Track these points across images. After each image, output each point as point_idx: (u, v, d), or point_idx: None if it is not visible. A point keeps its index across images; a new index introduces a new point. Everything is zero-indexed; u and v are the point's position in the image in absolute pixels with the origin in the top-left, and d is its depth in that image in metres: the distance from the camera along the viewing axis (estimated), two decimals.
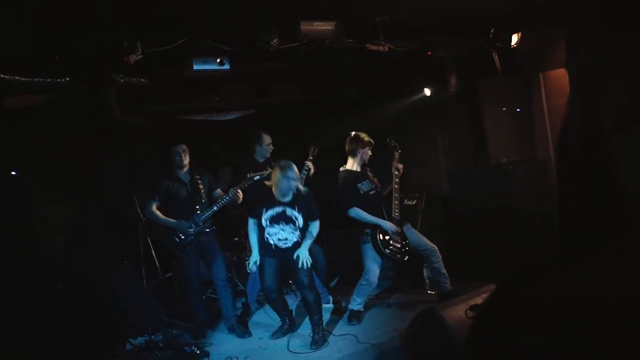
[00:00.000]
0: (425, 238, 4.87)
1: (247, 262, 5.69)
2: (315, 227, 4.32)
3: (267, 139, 5.05)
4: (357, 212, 4.54)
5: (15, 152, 4.72)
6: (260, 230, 4.30)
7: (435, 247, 4.81)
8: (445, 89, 5.80)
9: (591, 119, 0.82)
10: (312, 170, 5.02)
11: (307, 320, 4.44)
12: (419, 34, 5.13)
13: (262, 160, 5.01)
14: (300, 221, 4.25)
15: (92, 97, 4.54)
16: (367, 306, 4.91)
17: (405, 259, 4.67)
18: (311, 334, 4.28)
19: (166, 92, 5.52)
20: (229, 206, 4.88)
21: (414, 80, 6.06)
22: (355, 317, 4.66)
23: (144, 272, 5.25)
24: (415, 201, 5.82)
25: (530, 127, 5.78)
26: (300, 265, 4.18)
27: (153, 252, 5.42)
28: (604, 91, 0.80)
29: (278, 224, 4.24)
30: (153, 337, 4.38)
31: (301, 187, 4.32)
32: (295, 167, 4.20)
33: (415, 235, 4.84)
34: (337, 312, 4.97)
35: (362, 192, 4.64)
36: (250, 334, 4.63)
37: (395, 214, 4.66)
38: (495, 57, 5.41)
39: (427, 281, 5.26)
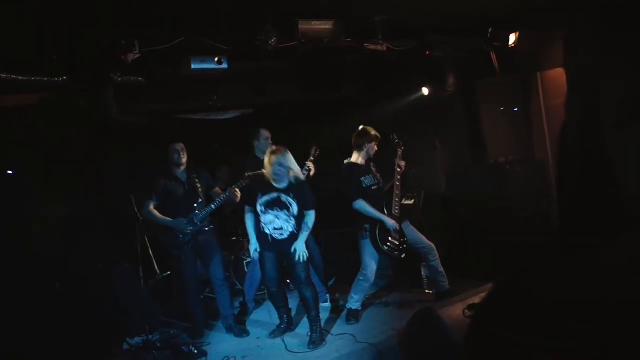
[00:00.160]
0: (423, 236, 4.88)
1: (245, 262, 5.73)
2: (310, 217, 4.29)
3: (264, 133, 5.05)
4: (363, 205, 4.55)
5: (14, 151, 4.71)
6: (257, 220, 4.30)
7: (433, 246, 4.83)
8: (443, 89, 5.82)
9: (590, 119, 0.82)
10: (312, 171, 5.01)
11: (305, 320, 4.44)
12: (417, 33, 5.13)
13: (262, 156, 5.01)
14: (294, 208, 4.23)
15: (90, 96, 4.53)
16: (365, 305, 4.92)
17: (403, 256, 4.69)
18: (309, 333, 4.28)
19: (164, 91, 5.50)
20: (226, 206, 4.88)
21: (412, 80, 6.07)
22: (353, 316, 4.66)
23: (141, 271, 5.23)
24: (413, 200, 5.83)
25: (527, 126, 5.79)
26: (297, 258, 4.17)
27: (150, 252, 5.40)
28: (603, 91, 0.80)
29: (272, 209, 4.23)
30: (150, 336, 4.38)
31: (299, 176, 4.31)
32: (287, 156, 4.19)
33: (413, 233, 4.86)
34: (335, 311, 4.97)
35: (364, 186, 4.65)
36: (248, 334, 4.63)
37: (396, 211, 4.67)
38: (493, 57, 5.41)
39: (425, 280, 5.27)
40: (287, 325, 4.57)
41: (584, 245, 0.78)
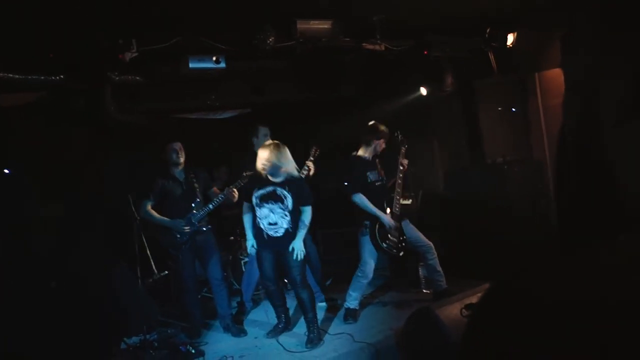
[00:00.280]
0: (422, 235, 4.89)
1: (242, 261, 5.73)
2: (307, 214, 4.27)
3: (262, 130, 5.04)
4: (362, 199, 4.55)
5: (13, 151, 4.69)
6: (253, 215, 4.30)
7: (431, 245, 4.83)
8: (441, 89, 5.82)
9: (589, 119, 0.82)
10: (312, 171, 5.00)
11: (302, 319, 4.44)
12: (416, 33, 5.13)
13: None
14: (289, 201, 4.21)
15: (88, 96, 4.52)
16: (363, 305, 4.92)
17: (401, 254, 4.69)
18: (306, 333, 4.28)
19: (162, 90, 5.50)
20: (224, 206, 4.87)
21: (410, 80, 6.07)
22: (351, 315, 4.66)
23: (139, 271, 5.22)
24: (411, 200, 5.84)
25: (525, 126, 5.80)
26: (294, 257, 4.17)
27: (148, 252, 5.39)
28: (603, 91, 0.80)
29: (267, 202, 4.21)
30: (148, 336, 4.37)
31: (292, 173, 4.30)
32: (283, 152, 4.18)
33: (412, 232, 4.86)
34: (333, 311, 4.97)
35: (369, 181, 4.66)
36: (245, 333, 4.62)
37: (396, 209, 4.67)
38: (491, 57, 5.42)
39: (422, 280, 5.28)
40: (284, 324, 4.57)
41: (584, 245, 0.78)
